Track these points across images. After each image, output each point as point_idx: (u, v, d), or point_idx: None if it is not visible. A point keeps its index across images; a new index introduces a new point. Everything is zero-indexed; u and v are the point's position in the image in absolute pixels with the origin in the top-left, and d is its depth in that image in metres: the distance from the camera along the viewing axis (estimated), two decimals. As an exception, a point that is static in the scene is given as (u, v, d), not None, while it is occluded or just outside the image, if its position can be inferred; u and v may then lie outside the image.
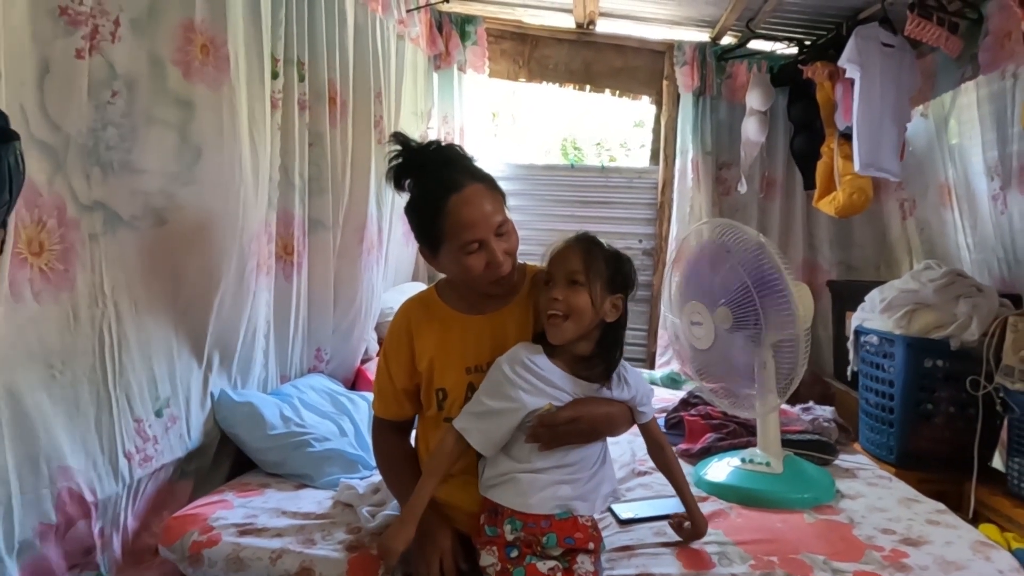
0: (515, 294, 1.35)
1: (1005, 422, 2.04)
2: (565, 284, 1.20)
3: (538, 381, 1.20)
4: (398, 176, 1.28)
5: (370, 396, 2.20)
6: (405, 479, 1.31)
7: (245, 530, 1.45)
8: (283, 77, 1.97)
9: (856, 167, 2.67)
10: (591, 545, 1.20)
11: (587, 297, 1.19)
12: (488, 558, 1.18)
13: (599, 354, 1.24)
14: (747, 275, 1.62)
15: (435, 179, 1.25)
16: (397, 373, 1.36)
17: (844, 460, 1.98)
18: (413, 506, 1.17)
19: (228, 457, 1.87)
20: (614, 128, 7.21)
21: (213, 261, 1.69)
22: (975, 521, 1.95)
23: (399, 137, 1.29)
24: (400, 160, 1.27)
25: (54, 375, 1.34)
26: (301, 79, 2.08)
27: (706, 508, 1.59)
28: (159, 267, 1.58)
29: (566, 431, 1.19)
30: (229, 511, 1.53)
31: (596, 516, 1.28)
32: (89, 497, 1.40)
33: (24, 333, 1.27)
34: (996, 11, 2.37)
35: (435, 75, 3.39)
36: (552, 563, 1.16)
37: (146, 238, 1.53)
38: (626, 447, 1.98)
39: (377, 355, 2.60)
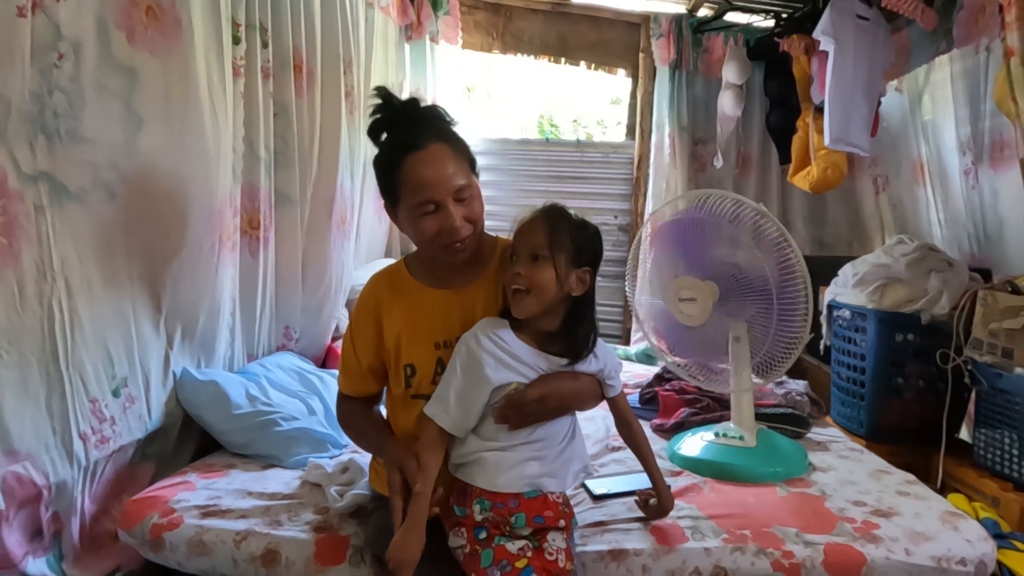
0: (485, 268, 1.31)
1: (972, 395, 2.07)
2: (528, 259, 1.17)
3: (505, 356, 1.17)
4: (375, 130, 1.24)
5: (340, 374, 2.17)
6: (375, 431, 1.32)
7: (208, 512, 1.41)
8: (245, 43, 1.89)
9: (826, 141, 2.66)
10: (561, 522, 1.17)
11: (551, 272, 1.16)
12: (457, 539, 1.15)
13: (566, 329, 1.21)
14: (758, 249, 1.59)
15: (400, 135, 1.22)
16: (363, 350, 1.32)
17: (816, 433, 2.00)
18: (417, 510, 1.10)
19: (193, 438, 1.82)
20: (591, 105, 7.15)
21: (168, 235, 1.62)
22: (943, 492, 1.98)
23: (382, 91, 1.24)
24: (380, 114, 1.23)
25: (0, 355, 1.28)
26: (264, 45, 2.00)
27: (679, 482, 1.59)
28: (112, 241, 1.51)
29: (534, 410, 1.16)
30: (192, 493, 1.48)
31: (569, 492, 1.26)
32: (40, 480, 1.34)
33: None
34: (971, -16, 2.36)
35: (407, 46, 3.29)
36: (521, 543, 1.13)
37: (97, 211, 1.46)
38: (600, 423, 1.97)
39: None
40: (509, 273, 1.18)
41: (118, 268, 1.53)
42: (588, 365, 1.23)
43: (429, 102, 3.45)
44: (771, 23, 3.19)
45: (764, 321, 1.67)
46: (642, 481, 1.48)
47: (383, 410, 1.43)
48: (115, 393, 1.54)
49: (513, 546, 1.12)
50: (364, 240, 2.91)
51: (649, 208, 3.43)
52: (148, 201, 1.56)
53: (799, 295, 1.60)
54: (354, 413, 1.37)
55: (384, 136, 1.24)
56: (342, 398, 1.40)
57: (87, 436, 1.45)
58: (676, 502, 1.42)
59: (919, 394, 2.22)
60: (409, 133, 1.21)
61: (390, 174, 1.21)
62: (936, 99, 2.70)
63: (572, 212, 1.23)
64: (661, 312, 1.86)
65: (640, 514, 1.42)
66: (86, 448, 1.45)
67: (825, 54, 2.64)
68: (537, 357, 1.19)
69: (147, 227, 1.57)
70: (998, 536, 1.48)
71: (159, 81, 1.55)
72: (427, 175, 1.18)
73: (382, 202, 1.29)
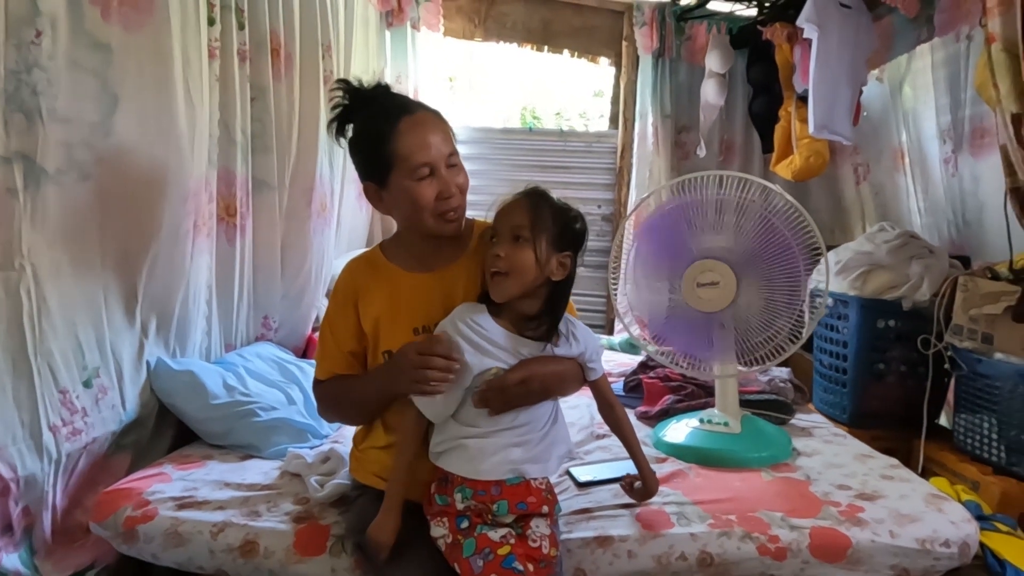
0: (464, 249, 1.29)
1: (953, 380, 2.09)
2: (509, 240, 1.14)
3: (482, 341, 1.14)
4: (342, 120, 1.22)
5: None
6: (358, 380, 1.28)
7: (184, 503, 1.37)
8: (220, 24, 1.84)
9: (810, 129, 2.66)
10: (544, 508, 1.16)
11: (531, 254, 1.13)
12: (439, 529, 1.13)
13: (545, 313, 1.19)
14: (786, 228, 1.59)
15: (386, 105, 1.21)
16: (343, 336, 1.29)
17: (800, 419, 2.00)
18: (392, 494, 1.15)
19: (170, 429, 1.77)
20: (574, 97, 7.14)
21: (141, 220, 1.57)
22: (924, 476, 2.00)
23: (344, 82, 1.23)
24: (346, 103, 1.21)
25: None
26: (241, 27, 1.95)
27: (665, 469, 1.58)
28: (84, 225, 1.46)
29: (516, 393, 1.14)
30: (167, 484, 1.44)
31: (554, 480, 1.24)
32: (8, 474, 1.30)
33: None
34: (953, -29, 2.37)
35: (387, 33, 3.24)
36: (504, 530, 1.11)
37: (70, 193, 1.41)
38: (585, 410, 1.96)
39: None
40: (489, 255, 1.16)
41: (90, 254, 1.49)
42: (569, 348, 1.21)
43: (411, 90, 3.41)
44: (754, 11, 3.19)
45: (770, 304, 1.65)
46: (627, 468, 1.47)
47: None
48: (86, 384, 1.49)
49: (495, 534, 1.10)
50: (345, 228, 2.86)
51: (633, 197, 3.42)
52: (122, 183, 1.51)
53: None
54: (334, 387, 1.31)
55: (352, 126, 1.23)
56: (318, 385, 1.35)
57: (57, 428, 1.40)
58: (662, 488, 1.41)
59: (901, 379, 2.24)
60: (396, 100, 1.22)
61: (379, 145, 1.19)
62: (917, 87, 2.72)
63: (555, 196, 1.21)
64: (647, 301, 1.83)
65: (626, 500, 1.41)
66: (56, 440, 1.40)
67: (807, 43, 2.64)
68: (516, 341, 1.17)
69: (120, 211, 1.52)
70: (980, 518, 1.49)
71: (133, 58, 1.50)
72: (423, 137, 1.18)
73: (362, 188, 1.26)
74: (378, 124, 1.19)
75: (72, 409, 1.44)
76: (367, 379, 1.28)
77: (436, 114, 1.25)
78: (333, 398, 1.33)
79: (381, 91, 1.24)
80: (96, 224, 1.48)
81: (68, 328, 1.44)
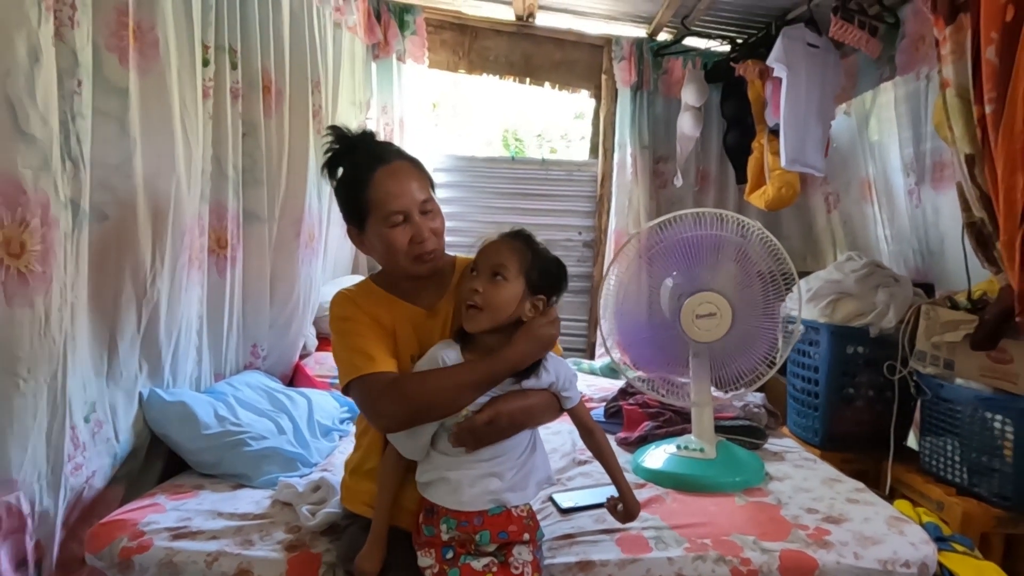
0: (447, 286, 1.35)
1: (918, 404, 2.18)
2: (488, 276, 1.20)
3: None
4: (333, 164, 1.30)
5: (309, 393, 2.18)
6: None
7: (178, 534, 1.41)
8: (214, 65, 1.90)
9: (782, 163, 2.78)
10: (526, 536, 1.20)
11: (506, 293, 1.18)
12: (425, 560, 1.18)
13: None
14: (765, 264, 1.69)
15: (364, 155, 1.29)
16: (370, 335, 1.24)
17: (773, 444, 2.08)
18: (377, 526, 1.22)
19: (160, 459, 1.80)
20: (555, 120, 7.26)
21: (144, 257, 1.63)
22: (892, 497, 2.08)
23: (335, 129, 1.31)
24: (335, 148, 1.29)
25: (18, 384, 1.28)
26: (233, 67, 2.01)
27: (644, 494, 1.64)
28: (101, 264, 1.53)
29: (486, 432, 1.18)
30: (161, 515, 1.48)
31: (537, 506, 1.29)
32: (26, 509, 1.33)
33: None
34: (911, 16, 2.50)
35: (374, 65, 3.33)
36: (487, 559, 1.16)
37: (95, 234, 1.51)
38: (567, 436, 2.02)
39: (328, 338, 2.54)
40: (467, 288, 1.21)
41: (104, 291, 1.56)
42: (538, 380, 1.25)
43: (396, 120, 3.48)
44: (727, 48, 3.32)
45: (747, 332, 1.74)
46: (609, 493, 1.51)
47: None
48: (86, 419, 1.53)
49: (478, 563, 1.15)
50: (331, 256, 2.92)
51: (613, 224, 3.51)
52: (131, 223, 1.59)
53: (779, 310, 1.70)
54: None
55: (341, 169, 1.30)
56: (378, 375, 1.19)
57: (65, 463, 1.44)
58: (641, 513, 1.45)
59: (869, 403, 2.33)
60: (374, 152, 1.29)
61: (357, 193, 1.26)
62: (882, 121, 2.84)
63: (540, 241, 1.26)
64: (630, 330, 1.89)
65: (607, 526, 1.46)
66: (65, 475, 1.44)
67: (778, 79, 2.77)
68: None
69: (128, 249, 1.59)
70: (939, 539, 1.57)
71: (144, 101, 1.59)
72: (396, 187, 1.25)
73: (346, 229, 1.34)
74: (356, 172, 1.27)
75: (76, 444, 1.48)
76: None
77: (413, 162, 1.32)
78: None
79: (365, 138, 1.32)
80: (112, 262, 1.56)
81: (84, 364, 1.50)
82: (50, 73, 1.28)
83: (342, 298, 1.33)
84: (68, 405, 1.42)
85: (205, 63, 1.86)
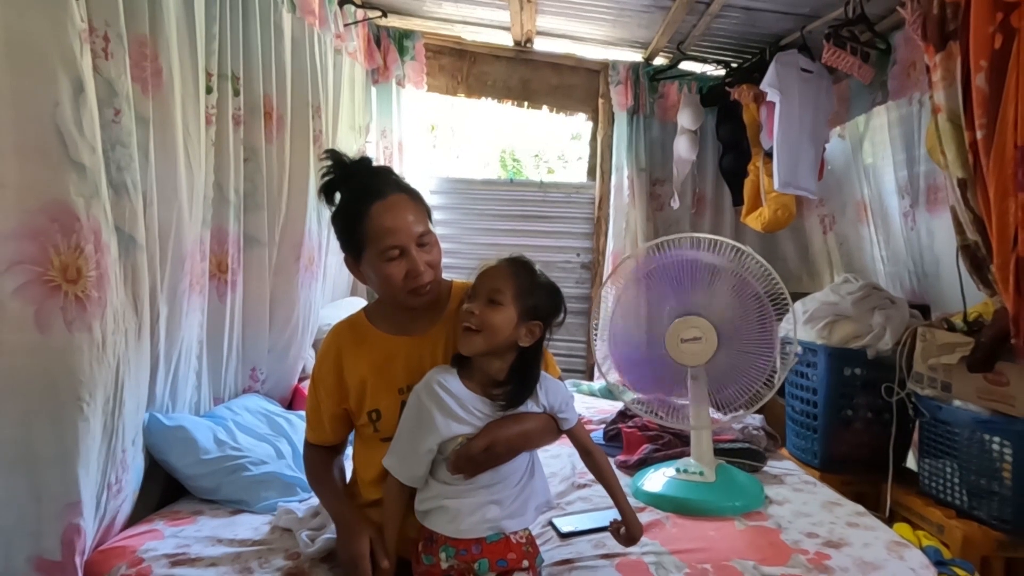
0: (443, 312, 1.36)
1: (917, 425, 2.18)
2: (485, 300, 1.20)
3: (453, 404, 1.19)
4: (329, 189, 1.30)
5: (309, 416, 2.18)
6: (331, 496, 1.37)
7: (177, 560, 1.40)
8: (217, 92, 1.93)
9: (775, 185, 2.81)
10: (525, 563, 1.20)
11: (503, 317, 1.19)
12: None
13: (512, 378, 1.24)
14: (756, 283, 1.70)
15: (361, 186, 1.29)
16: (325, 400, 1.37)
17: (772, 466, 2.07)
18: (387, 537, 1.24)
19: (157, 484, 1.80)
20: (552, 141, 7.33)
21: (162, 281, 1.67)
22: (891, 519, 2.08)
23: (333, 154, 1.32)
24: (332, 174, 1.30)
25: (82, 407, 1.31)
26: (236, 94, 2.04)
27: (643, 518, 1.62)
28: (136, 292, 1.56)
29: (483, 459, 1.19)
30: (159, 541, 1.47)
31: (536, 530, 1.28)
32: (83, 529, 1.36)
33: (51, 366, 1.26)
34: (903, 43, 2.55)
35: (373, 89, 3.37)
36: None
37: (133, 258, 1.54)
38: (566, 460, 2.02)
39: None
40: (464, 310, 1.22)
41: (135, 318, 1.59)
42: (535, 405, 1.25)
43: (395, 143, 3.53)
44: (722, 72, 3.37)
45: (744, 355, 1.75)
46: (609, 517, 1.51)
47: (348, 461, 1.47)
48: (133, 441, 1.58)
49: None
50: (330, 278, 2.94)
51: (611, 246, 3.54)
52: (151, 249, 1.62)
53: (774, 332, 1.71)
54: (316, 466, 1.43)
55: (339, 195, 1.31)
56: (307, 446, 1.46)
57: (114, 485, 1.49)
58: (641, 538, 1.45)
59: (868, 425, 2.34)
60: (371, 184, 1.29)
61: (354, 225, 1.27)
62: (875, 143, 2.88)
63: (538, 268, 1.27)
64: (627, 352, 1.90)
65: (607, 551, 1.46)
66: (109, 498, 1.48)
67: (773, 103, 2.81)
68: (482, 403, 1.22)
69: (151, 273, 1.63)
70: (939, 563, 1.57)
71: (157, 130, 1.63)
72: (392, 222, 1.25)
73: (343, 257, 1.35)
74: (353, 204, 1.28)
75: (124, 467, 1.54)
76: (330, 498, 1.37)
77: (411, 194, 1.32)
78: (312, 478, 1.45)
79: (362, 166, 1.32)
80: (145, 288, 1.59)
81: (136, 388, 1.55)
82: (92, 103, 1.32)
83: (328, 338, 1.41)
84: (123, 428, 1.47)
85: (208, 90, 1.88)
